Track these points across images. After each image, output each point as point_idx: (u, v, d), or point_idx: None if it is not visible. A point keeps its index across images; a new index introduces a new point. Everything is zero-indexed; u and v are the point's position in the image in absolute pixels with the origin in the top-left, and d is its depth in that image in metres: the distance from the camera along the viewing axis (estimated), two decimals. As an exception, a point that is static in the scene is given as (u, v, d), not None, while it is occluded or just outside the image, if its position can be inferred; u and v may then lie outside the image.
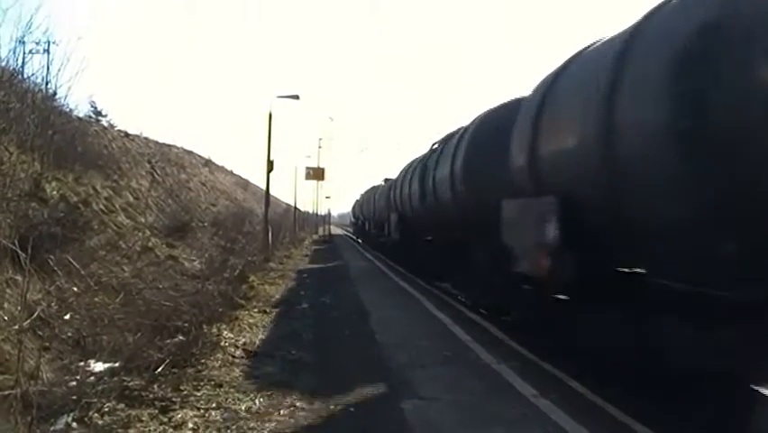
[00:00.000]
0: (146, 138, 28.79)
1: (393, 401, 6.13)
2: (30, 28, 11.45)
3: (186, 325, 8.05)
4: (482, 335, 9.70)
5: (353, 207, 58.07)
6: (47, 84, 12.92)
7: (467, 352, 8.53)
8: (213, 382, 6.35)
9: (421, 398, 6.24)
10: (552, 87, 7.69)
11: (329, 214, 73.33)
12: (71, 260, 8.59)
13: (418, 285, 17.01)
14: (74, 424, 4.83)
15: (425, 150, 18.74)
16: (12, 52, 11.75)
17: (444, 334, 9.91)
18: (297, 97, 23.69)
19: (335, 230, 68.95)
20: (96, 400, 5.22)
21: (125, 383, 5.75)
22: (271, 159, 23.56)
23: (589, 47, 7.42)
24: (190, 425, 5.13)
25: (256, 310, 11.28)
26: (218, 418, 5.39)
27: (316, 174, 37.70)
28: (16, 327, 5.70)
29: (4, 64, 11.22)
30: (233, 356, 7.66)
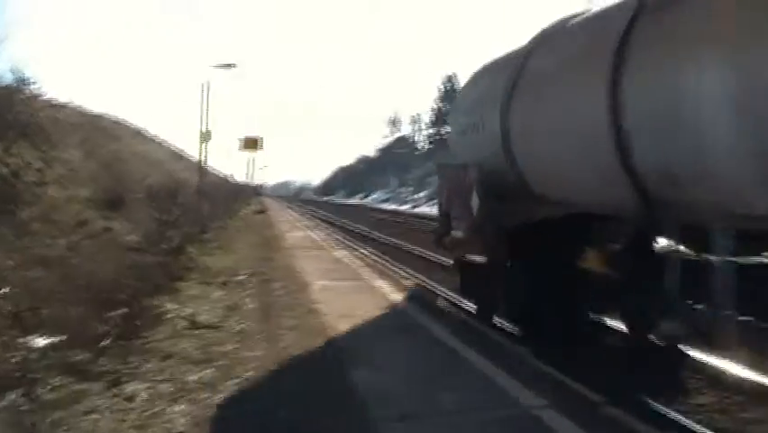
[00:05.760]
0: (78, 107, 27.65)
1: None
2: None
3: (128, 297, 7.94)
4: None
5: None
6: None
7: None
8: (161, 354, 6.32)
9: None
10: None
11: (260, 185, 62.60)
12: (5, 232, 8.32)
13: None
14: (21, 399, 4.74)
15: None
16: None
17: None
18: (233, 66, 23.31)
19: (273, 207, 55.67)
20: (41, 375, 5.14)
21: (72, 358, 5.66)
22: (208, 129, 23.11)
23: None
24: (143, 396, 5.11)
25: (196, 281, 11.15)
26: (170, 389, 5.38)
27: (248, 144, 35.86)
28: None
29: None
30: (179, 328, 7.60)
